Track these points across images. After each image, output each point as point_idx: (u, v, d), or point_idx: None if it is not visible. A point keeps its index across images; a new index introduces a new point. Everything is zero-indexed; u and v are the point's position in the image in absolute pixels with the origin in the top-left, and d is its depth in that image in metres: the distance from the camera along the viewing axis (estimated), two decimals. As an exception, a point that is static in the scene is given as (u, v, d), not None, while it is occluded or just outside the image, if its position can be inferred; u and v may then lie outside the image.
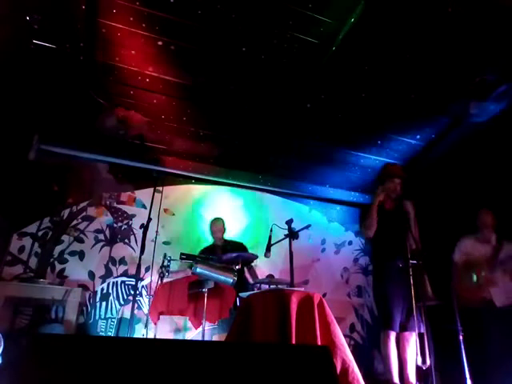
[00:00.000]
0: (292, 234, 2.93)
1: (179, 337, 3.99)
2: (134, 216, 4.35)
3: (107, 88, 3.58)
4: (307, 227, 3.14)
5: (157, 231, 3.96)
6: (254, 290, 2.82)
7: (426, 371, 2.71)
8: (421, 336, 2.78)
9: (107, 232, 4.20)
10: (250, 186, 4.94)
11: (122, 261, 4.15)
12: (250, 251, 3.94)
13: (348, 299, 4.98)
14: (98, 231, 4.16)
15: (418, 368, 2.84)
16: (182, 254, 3.36)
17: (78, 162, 4.22)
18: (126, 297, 4.04)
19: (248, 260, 3.76)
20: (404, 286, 2.86)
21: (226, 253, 3.45)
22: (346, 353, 2.26)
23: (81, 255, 4.01)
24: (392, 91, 3.63)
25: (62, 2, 2.82)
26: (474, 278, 3.48)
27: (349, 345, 2.45)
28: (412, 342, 2.94)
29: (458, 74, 3.39)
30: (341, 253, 5.19)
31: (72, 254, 3.99)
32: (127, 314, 3.90)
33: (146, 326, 3.49)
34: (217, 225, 4.22)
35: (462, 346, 2.81)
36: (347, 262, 5.17)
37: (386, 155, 4.56)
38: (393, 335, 2.98)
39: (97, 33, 3.04)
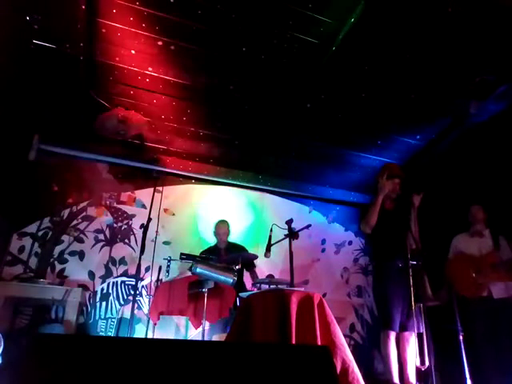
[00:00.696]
0: (292, 234, 2.93)
1: (179, 337, 3.99)
2: (133, 216, 4.35)
3: (107, 88, 3.59)
4: (307, 227, 3.14)
5: (157, 231, 3.97)
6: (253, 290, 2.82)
7: (425, 371, 2.71)
8: (420, 336, 2.78)
9: (107, 232, 4.20)
10: (250, 185, 4.95)
11: (122, 261, 4.15)
12: (250, 251, 3.93)
13: (348, 299, 4.98)
14: (97, 231, 4.16)
15: (417, 368, 2.84)
16: (181, 254, 3.36)
17: (78, 161, 4.23)
18: (126, 297, 4.04)
19: (249, 261, 3.75)
20: (404, 286, 2.86)
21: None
22: (346, 353, 2.25)
23: (81, 255, 4.02)
24: (392, 91, 3.63)
25: (62, 2, 2.82)
26: (470, 272, 3.48)
27: (349, 345, 2.45)
28: (412, 341, 2.93)
29: (458, 74, 3.39)
30: (341, 253, 5.19)
31: (72, 254, 3.99)
32: (127, 314, 3.90)
33: (147, 327, 3.49)
34: (222, 227, 4.14)
35: (462, 346, 2.82)
36: (347, 262, 5.17)
37: (386, 155, 4.56)
38: (393, 335, 2.98)
39: (97, 33, 3.05)
